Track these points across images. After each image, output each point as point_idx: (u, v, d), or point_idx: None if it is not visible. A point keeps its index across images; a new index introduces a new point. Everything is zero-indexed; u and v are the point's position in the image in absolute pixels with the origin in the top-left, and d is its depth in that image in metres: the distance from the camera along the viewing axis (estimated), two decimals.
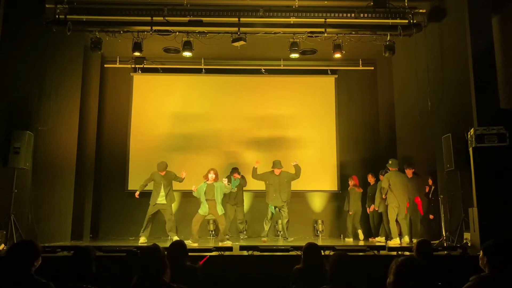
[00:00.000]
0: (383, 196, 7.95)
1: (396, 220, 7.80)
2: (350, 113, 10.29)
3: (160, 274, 2.77)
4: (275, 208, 8.31)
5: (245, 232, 8.97)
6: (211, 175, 7.66)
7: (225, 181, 7.75)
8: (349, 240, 8.76)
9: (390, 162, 8.09)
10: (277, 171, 8.27)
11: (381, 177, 8.33)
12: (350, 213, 8.87)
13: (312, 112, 10.18)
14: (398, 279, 2.13)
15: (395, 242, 7.59)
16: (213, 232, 9.14)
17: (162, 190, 7.77)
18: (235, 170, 8.83)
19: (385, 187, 7.83)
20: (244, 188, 8.99)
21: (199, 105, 10.13)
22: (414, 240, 7.34)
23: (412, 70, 8.43)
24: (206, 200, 7.55)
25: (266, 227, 8.35)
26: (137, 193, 8.00)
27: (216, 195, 7.56)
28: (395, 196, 7.72)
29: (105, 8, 7.93)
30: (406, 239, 7.66)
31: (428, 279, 2.15)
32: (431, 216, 7.98)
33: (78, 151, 8.47)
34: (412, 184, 8.02)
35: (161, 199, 7.77)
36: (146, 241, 7.60)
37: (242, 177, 8.92)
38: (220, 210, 7.59)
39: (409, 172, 8.14)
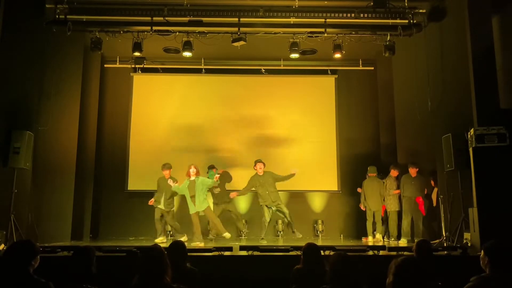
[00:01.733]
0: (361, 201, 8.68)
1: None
2: (350, 113, 10.28)
3: (162, 274, 2.77)
4: (269, 208, 8.18)
5: (244, 233, 8.91)
6: (192, 170, 7.66)
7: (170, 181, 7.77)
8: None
9: (368, 169, 8.67)
10: (259, 170, 8.18)
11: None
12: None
13: (312, 112, 10.17)
14: (397, 279, 2.13)
15: (378, 238, 8.32)
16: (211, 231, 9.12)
17: (163, 195, 7.84)
18: (211, 167, 8.69)
19: (362, 193, 8.62)
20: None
21: (199, 105, 10.11)
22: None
23: (412, 70, 8.43)
24: (190, 197, 7.58)
25: (264, 229, 8.18)
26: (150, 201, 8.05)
27: (196, 190, 7.53)
28: (367, 202, 8.48)
29: (105, 8, 7.92)
30: (377, 237, 8.35)
31: (426, 279, 2.16)
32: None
33: (78, 151, 8.46)
34: (415, 184, 8.01)
35: (161, 203, 7.89)
36: (165, 240, 7.78)
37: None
38: (198, 207, 7.51)
39: (413, 171, 8.10)
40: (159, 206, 7.87)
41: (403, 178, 8.20)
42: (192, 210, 7.52)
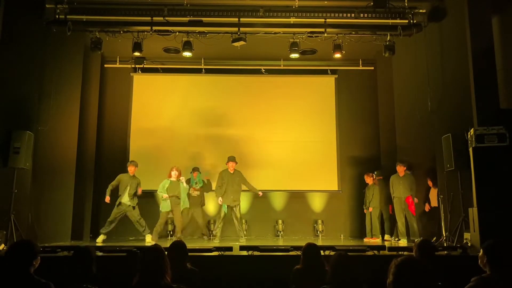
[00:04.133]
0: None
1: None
2: (350, 113, 10.29)
3: (162, 274, 2.77)
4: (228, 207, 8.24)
5: (206, 236, 8.93)
6: (174, 172, 8.00)
7: (182, 179, 8.04)
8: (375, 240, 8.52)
9: (376, 173, 9.02)
10: (231, 168, 8.29)
11: (366, 177, 8.98)
12: (370, 210, 8.76)
13: (312, 112, 10.17)
14: (397, 279, 2.12)
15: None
16: (213, 233, 9.14)
17: (127, 190, 7.91)
18: (195, 169, 8.92)
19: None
20: (243, 188, 8.93)
21: (199, 105, 10.13)
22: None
23: (412, 70, 8.43)
24: (170, 196, 7.89)
25: (219, 229, 8.20)
26: (107, 198, 8.04)
27: (180, 192, 7.91)
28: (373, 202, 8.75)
29: (105, 8, 7.92)
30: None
31: (427, 279, 2.15)
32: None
33: (78, 151, 8.46)
34: (404, 183, 8.01)
35: (126, 199, 7.91)
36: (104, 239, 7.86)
37: (206, 181, 9.12)
38: (182, 206, 7.94)
39: (400, 170, 8.10)
40: (123, 201, 7.88)
41: (392, 178, 8.22)
42: (165, 209, 7.95)
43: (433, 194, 8.12)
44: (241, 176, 8.39)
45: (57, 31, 7.67)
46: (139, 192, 7.98)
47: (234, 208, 8.18)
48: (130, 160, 8.86)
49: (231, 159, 8.36)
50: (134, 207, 7.92)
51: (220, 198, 8.17)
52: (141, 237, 8.64)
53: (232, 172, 8.30)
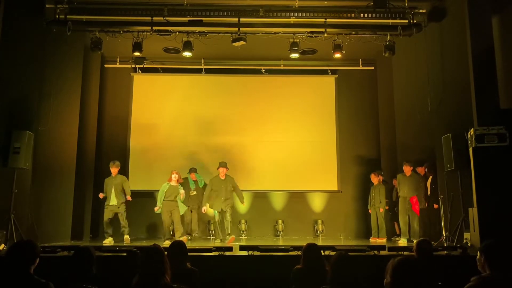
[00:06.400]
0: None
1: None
2: (350, 113, 10.28)
3: (162, 274, 2.77)
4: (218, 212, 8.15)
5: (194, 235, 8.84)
6: (174, 176, 7.90)
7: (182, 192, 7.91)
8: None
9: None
10: (222, 174, 8.15)
11: (372, 177, 8.80)
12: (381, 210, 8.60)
13: (312, 112, 10.17)
14: (395, 280, 2.13)
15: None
16: (213, 232, 9.14)
17: (112, 192, 7.80)
18: (192, 170, 8.85)
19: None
20: (243, 188, 8.88)
21: (199, 105, 10.12)
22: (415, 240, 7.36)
23: (412, 70, 8.43)
24: (166, 200, 7.75)
25: (220, 231, 8.17)
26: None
27: (178, 196, 7.81)
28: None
29: (105, 8, 7.92)
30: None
31: (424, 279, 2.15)
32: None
33: (78, 151, 8.46)
34: (410, 183, 7.99)
35: (114, 201, 7.80)
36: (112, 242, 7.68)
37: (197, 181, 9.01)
38: (182, 210, 7.83)
39: (407, 170, 8.07)
40: (111, 204, 7.77)
41: (398, 177, 8.22)
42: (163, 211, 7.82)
43: (429, 182, 8.12)
44: (233, 182, 8.23)
45: (57, 31, 7.67)
46: (128, 198, 7.83)
47: (226, 213, 8.04)
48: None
49: (222, 165, 8.23)
50: (123, 207, 7.82)
51: (203, 208, 8.11)
52: (141, 237, 8.68)
53: (223, 178, 8.16)
